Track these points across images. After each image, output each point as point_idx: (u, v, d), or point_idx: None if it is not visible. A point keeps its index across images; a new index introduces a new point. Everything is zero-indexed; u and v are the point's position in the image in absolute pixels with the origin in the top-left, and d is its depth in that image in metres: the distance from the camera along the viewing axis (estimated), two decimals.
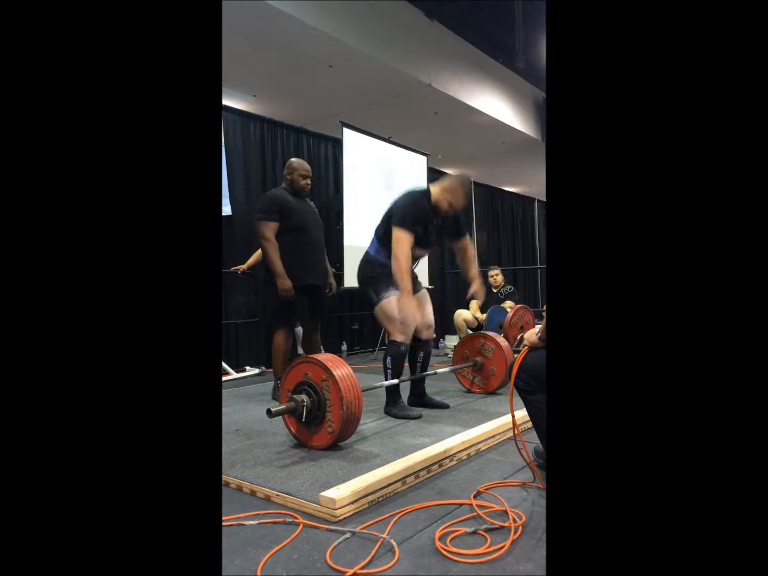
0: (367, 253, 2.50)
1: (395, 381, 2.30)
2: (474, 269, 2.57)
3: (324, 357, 1.88)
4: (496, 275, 4.71)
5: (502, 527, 1.24)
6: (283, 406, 1.83)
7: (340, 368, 1.83)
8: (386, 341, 2.56)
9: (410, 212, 2.29)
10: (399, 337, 2.33)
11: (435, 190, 2.38)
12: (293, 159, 2.94)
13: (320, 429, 1.86)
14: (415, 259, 2.43)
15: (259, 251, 3.57)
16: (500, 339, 2.82)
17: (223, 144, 4.01)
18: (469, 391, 2.89)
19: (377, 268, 2.40)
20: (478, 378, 2.86)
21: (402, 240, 2.24)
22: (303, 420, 1.84)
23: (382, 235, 2.38)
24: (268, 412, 1.78)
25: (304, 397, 1.84)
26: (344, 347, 4.92)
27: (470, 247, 2.59)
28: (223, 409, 2.58)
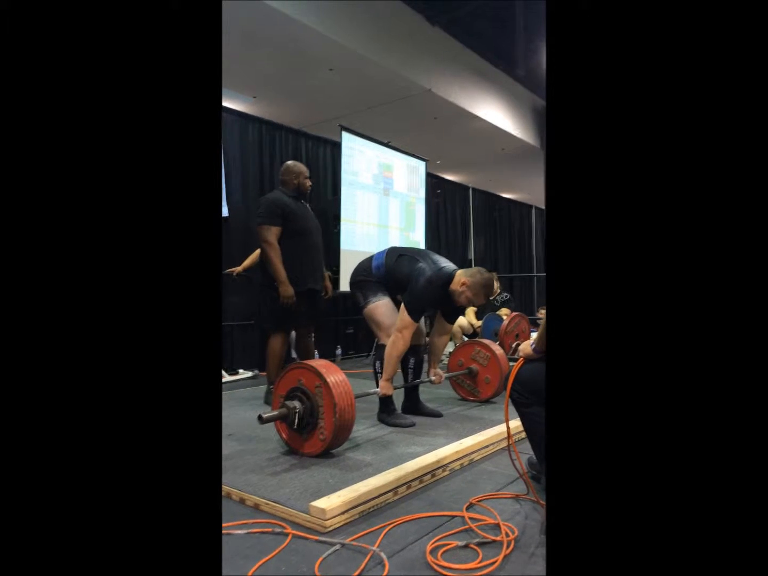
0: (369, 258, 2.47)
1: (389, 391, 2.28)
2: (438, 353, 2.57)
3: (318, 363, 1.86)
4: None
5: (495, 541, 1.23)
6: (275, 413, 1.81)
7: (334, 375, 1.81)
8: (375, 345, 2.54)
9: (423, 304, 2.26)
10: (387, 341, 2.31)
11: (457, 282, 2.26)
12: (291, 162, 2.91)
13: (312, 436, 1.83)
14: None
15: (255, 253, 3.55)
16: (495, 347, 2.80)
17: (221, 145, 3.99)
18: (463, 399, 2.87)
19: (370, 276, 2.41)
20: (472, 386, 2.84)
21: (407, 328, 2.20)
22: (295, 427, 1.82)
23: (391, 275, 2.36)
24: (260, 418, 1.75)
25: (296, 403, 1.81)
26: (339, 351, 4.90)
27: (448, 335, 2.61)
28: None
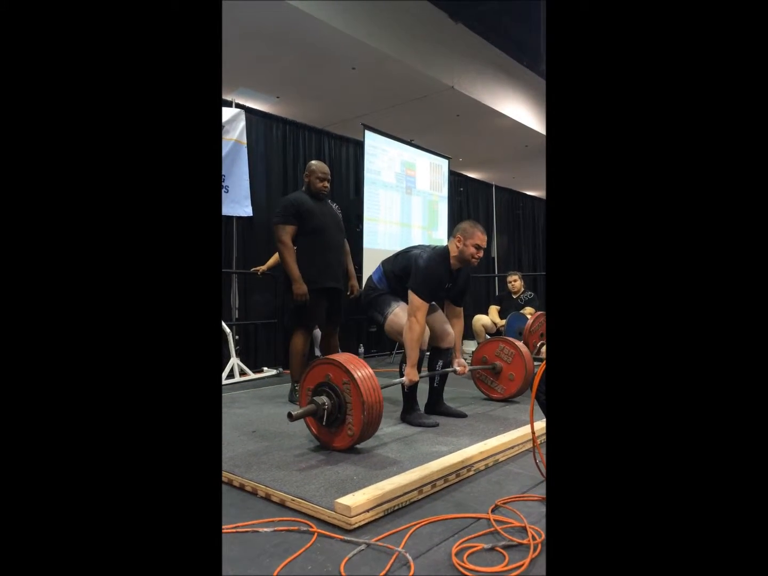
0: (369, 278, 2.53)
1: (414, 377, 2.27)
2: (457, 343, 2.52)
3: (344, 358, 1.85)
4: (515, 281, 4.65)
5: (521, 544, 1.21)
6: (304, 410, 1.83)
7: (361, 370, 1.81)
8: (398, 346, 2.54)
9: (431, 282, 2.25)
10: None
11: (453, 247, 2.32)
12: (313, 161, 2.94)
13: (340, 431, 1.84)
14: None
15: None
16: (520, 344, 2.78)
17: (245, 145, 4.03)
18: (488, 398, 2.85)
19: (377, 291, 2.44)
20: (496, 383, 2.82)
21: (419, 310, 2.20)
22: (324, 423, 1.83)
23: (392, 277, 2.41)
24: (289, 415, 1.78)
25: (324, 399, 1.82)
26: (361, 350, 4.91)
27: (462, 319, 2.55)
28: (240, 410, 2.59)
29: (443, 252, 2.33)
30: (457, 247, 2.29)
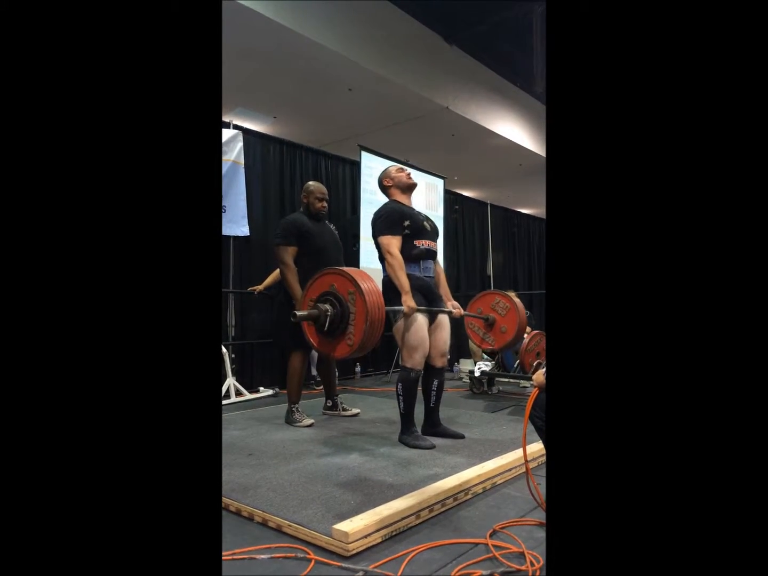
0: (383, 279, 2.51)
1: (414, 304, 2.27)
2: (444, 285, 2.59)
3: (352, 270, 1.83)
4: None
5: (519, 571, 1.21)
6: (307, 312, 1.82)
7: (368, 283, 1.78)
8: (396, 364, 2.53)
9: (387, 217, 2.37)
10: (408, 363, 2.30)
11: (389, 193, 2.51)
12: (310, 182, 2.98)
13: (340, 340, 1.82)
14: (426, 253, 2.44)
15: (276, 272, 3.60)
16: (516, 299, 2.83)
17: (243, 165, 4.06)
18: (483, 411, 2.85)
19: (393, 289, 2.41)
20: (488, 335, 2.88)
21: (389, 244, 2.32)
22: (325, 329, 1.80)
23: (380, 255, 2.45)
24: (293, 315, 1.80)
25: (328, 306, 1.80)
26: (358, 369, 4.90)
27: (440, 266, 2.64)
28: (237, 432, 2.57)
29: (387, 202, 2.50)
30: (390, 185, 2.51)
